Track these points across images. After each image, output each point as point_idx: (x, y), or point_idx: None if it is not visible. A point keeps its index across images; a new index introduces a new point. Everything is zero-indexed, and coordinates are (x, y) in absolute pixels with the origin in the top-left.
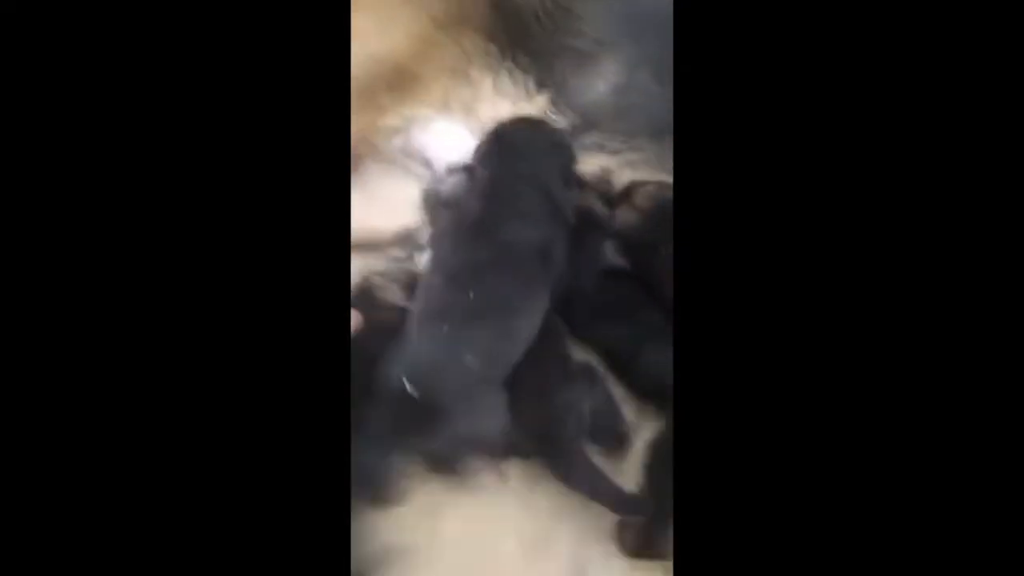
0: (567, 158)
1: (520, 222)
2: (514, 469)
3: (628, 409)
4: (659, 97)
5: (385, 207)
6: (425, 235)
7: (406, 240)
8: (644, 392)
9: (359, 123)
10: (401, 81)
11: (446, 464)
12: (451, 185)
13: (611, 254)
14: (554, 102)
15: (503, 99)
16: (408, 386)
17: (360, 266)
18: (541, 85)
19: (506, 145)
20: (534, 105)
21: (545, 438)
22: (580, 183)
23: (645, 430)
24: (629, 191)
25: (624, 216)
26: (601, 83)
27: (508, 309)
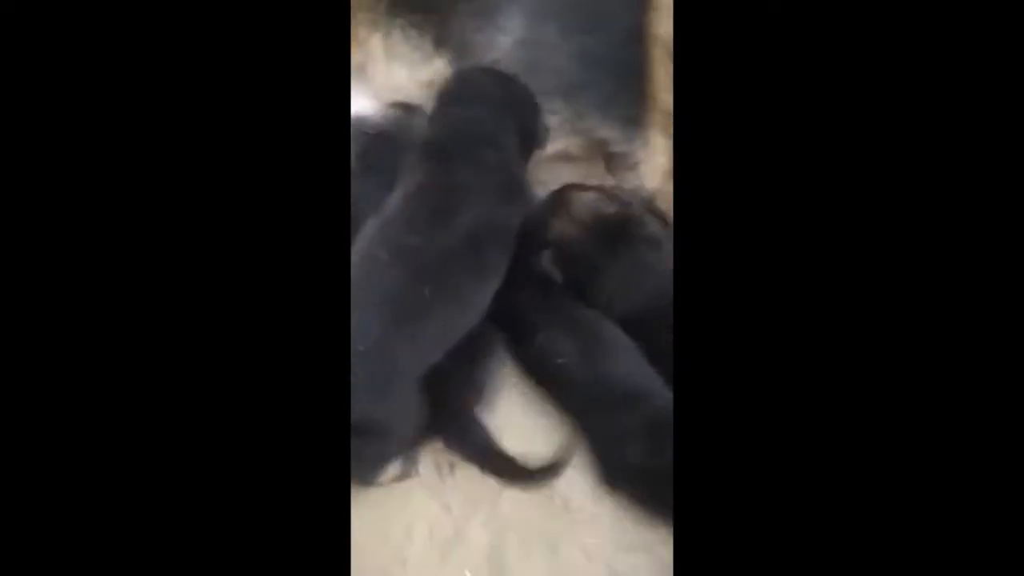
0: (529, 118)
1: (477, 198)
2: (423, 458)
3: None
4: (566, 52)
5: None
6: None
7: None
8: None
9: None
10: None
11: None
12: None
13: (546, 263)
14: (456, 62)
15: (397, 61)
16: None
17: None
18: (439, 44)
19: (457, 102)
20: (433, 66)
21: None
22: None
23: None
24: (565, 198)
25: (562, 227)
26: (504, 38)
27: (456, 301)
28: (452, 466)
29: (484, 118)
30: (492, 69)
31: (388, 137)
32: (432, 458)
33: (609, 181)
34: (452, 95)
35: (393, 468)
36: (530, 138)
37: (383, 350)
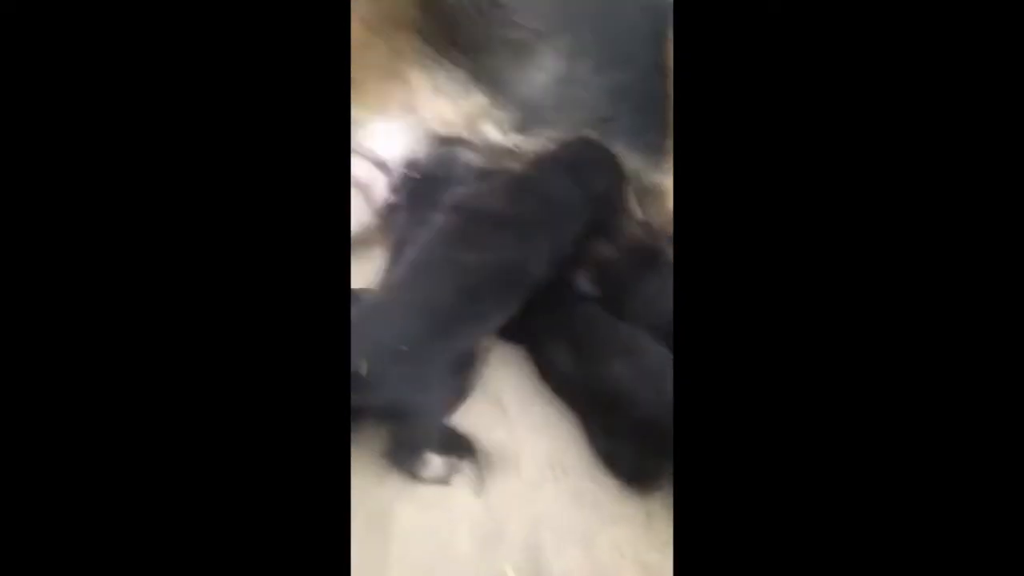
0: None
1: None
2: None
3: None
4: (599, 88)
5: None
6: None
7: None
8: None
9: None
10: None
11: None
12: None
13: (584, 284)
14: (495, 98)
15: (442, 97)
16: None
17: None
18: (479, 80)
19: (561, 169)
20: (474, 102)
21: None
22: None
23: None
24: (607, 224)
25: (602, 250)
26: (540, 75)
27: (483, 316)
28: (493, 467)
29: (576, 195)
30: (606, 149)
31: (437, 165)
32: (476, 461)
33: (637, 210)
34: (563, 160)
35: (435, 467)
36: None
37: (423, 351)
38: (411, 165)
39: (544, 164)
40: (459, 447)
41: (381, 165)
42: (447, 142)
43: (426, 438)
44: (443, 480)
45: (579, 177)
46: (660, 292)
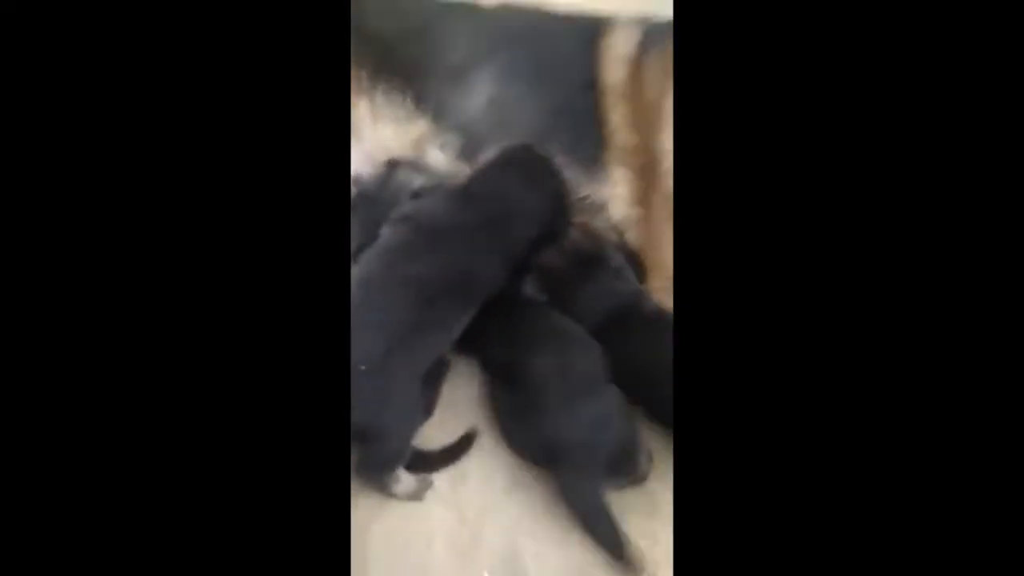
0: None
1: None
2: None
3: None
4: (532, 106)
5: None
6: None
7: None
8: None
9: None
10: None
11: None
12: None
13: (531, 289)
14: (436, 120)
15: (383, 121)
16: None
17: None
18: (419, 102)
19: (505, 174)
20: (417, 126)
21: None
22: None
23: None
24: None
25: (548, 257)
26: (478, 97)
27: (443, 327)
28: (465, 478)
29: (521, 198)
30: (546, 159)
31: (381, 187)
32: (446, 472)
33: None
34: (505, 165)
35: (407, 482)
36: (547, 236)
37: (384, 367)
38: (356, 185)
39: (486, 171)
40: (429, 463)
41: None
42: (390, 165)
43: (395, 455)
44: (415, 496)
45: (521, 180)
46: (599, 296)
